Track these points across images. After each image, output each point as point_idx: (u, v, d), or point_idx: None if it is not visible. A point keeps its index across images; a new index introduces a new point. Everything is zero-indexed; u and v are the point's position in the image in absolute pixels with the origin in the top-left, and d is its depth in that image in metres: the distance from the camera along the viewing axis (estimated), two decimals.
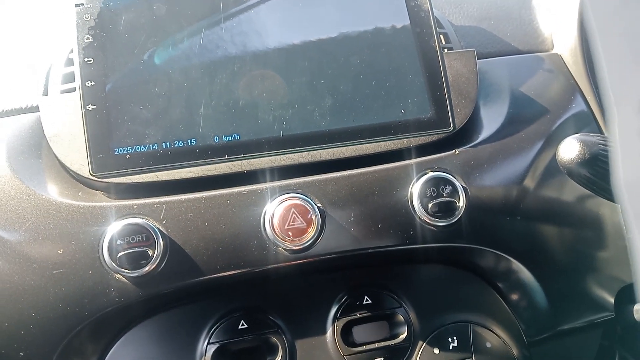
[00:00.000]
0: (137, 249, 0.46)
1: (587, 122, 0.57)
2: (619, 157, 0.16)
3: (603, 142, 0.46)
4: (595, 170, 0.45)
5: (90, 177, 0.48)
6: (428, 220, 0.50)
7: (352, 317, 0.54)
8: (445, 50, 0.57)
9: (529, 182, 0.53)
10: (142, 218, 0.47)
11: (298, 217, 0.48)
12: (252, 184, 0.50)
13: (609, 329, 0.63)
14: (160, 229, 0.47)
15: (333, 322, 0.54)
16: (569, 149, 0.47)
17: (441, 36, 0.58)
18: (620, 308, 0.59)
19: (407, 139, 0.52)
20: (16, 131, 0.53)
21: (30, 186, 0.49)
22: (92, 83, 0.50)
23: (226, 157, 0.50)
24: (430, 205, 0.50)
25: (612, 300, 0.59)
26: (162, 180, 0.49)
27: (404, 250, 0.52)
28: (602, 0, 0.17)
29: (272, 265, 0.49)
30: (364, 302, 0.54)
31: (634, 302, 0.46)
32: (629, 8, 0.17)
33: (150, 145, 0.49)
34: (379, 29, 0.55)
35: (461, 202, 0.50)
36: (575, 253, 0.56)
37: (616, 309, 0.59)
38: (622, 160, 0.16)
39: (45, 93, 0.55)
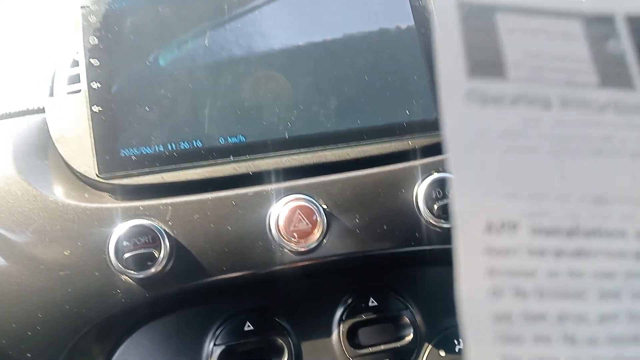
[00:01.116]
0: (143, 251, 0.46)
1: None
2: (462, 273, 0.18)
3: None
4: None
5: (97, 178, 0.48)
6: (433, 222, 0.50)
7: (357, 319, 0.54)
8: None
9: None
10: (148, 219, 0.47)
11: (303, 219, 0.48)
12: (258, 185, 0.50)
13: None
14: (167, 230, 0.47)
15: (339, 324, 0.54)
16: None
17: None
18: None
19: (412, 140, 0.52)
20: (22, 132, 0.53)
21: (37, 187, 0.49)
22: (98, 84, 0.50)
23: (232, 159, 0.50)
24: (435, 206, 0.49)
25: None
26: (168, 182, 0.49)
27: (410, 252, 0.51)
28: (461, 135, 0.19)
29: (278, 267, 0.49)
30: (370, 304, 0.54)
31: None
32: (484, 141, 0.19)
33: (156, 147, 0.49)
34: (384, 30, 0.54)
35: None
36: None
37: None
38: (464, 277, 0.18)
39: (51, 94, 0.55)
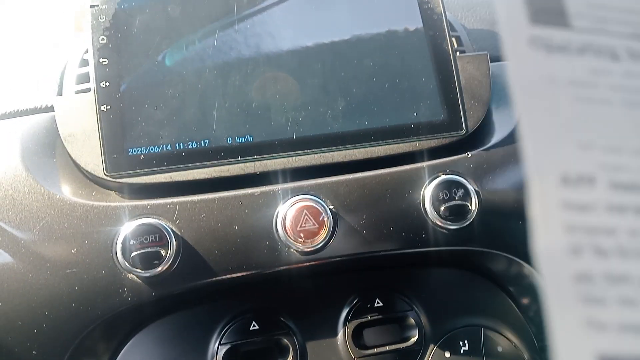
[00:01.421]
0: (150, 249, 0.46)
1: None
2: (539, 229, 0.17)
3: None
4: None
5: (104, 177, 0.49)
6: (440, 224, 0.50)
7: (363, 320, 0.54)
8: (458, 53, 0.57)
9: None
10: (155, 218, 0.48)
11: (310, 219, 0.48)
12: (265, 185, 0.50)
13: None
14: (174, 229, 0.48)
15: (344, 325, 0.54)
16: None
17: (454, 39, 0.58)
18: None
19: (419, 142, 0.52)
20: (30, 131, 0.53)
21: (45, 186, 0.49)
22: (107, 84, 0.50)
23: (239, 159, 0.50)
24: (442, 208, 0.50)
25: None
26: (175, 181, 0.49)
27: (416, 253, 0.52)
28: (528, 81, 0.18)
29: (284, 267, 0.49)
30: (375, 305, 0.54)
31: None
32: (553, 88, 0.18)
33: (164, 146, 0.50)
34: (392, 32, 0.55)
35: (473, 206, 0.50)
36: None
37: None
38: (541, 233, 0.17)
39: (60, 93, 0.56)
